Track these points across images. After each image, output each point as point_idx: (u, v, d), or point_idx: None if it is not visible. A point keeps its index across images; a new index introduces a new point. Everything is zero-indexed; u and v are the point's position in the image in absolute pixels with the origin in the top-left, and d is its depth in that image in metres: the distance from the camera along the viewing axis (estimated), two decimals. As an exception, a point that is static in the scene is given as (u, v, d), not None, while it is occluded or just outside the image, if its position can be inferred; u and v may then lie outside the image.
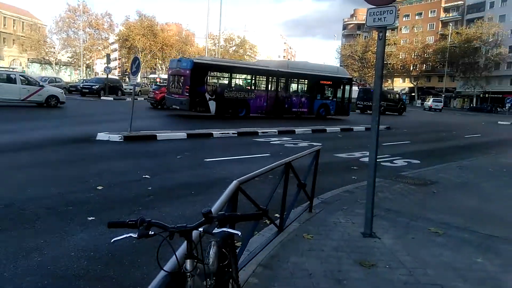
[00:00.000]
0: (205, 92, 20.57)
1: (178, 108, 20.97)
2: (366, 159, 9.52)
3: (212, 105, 20.74)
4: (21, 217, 4.85)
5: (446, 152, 14.17)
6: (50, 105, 19.62)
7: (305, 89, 25.66)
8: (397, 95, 42.45)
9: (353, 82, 29.92)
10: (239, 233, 1.56)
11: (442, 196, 6.98)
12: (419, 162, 11.09)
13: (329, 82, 26.58)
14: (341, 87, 26.95)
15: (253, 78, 23.27)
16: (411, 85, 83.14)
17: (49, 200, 5.58)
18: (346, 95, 27.15)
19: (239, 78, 23.04)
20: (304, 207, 5.58)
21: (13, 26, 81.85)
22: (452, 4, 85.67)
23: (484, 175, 9.15)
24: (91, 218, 4.97)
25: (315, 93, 25.61)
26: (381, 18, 4.23)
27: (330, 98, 26.49)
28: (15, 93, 18.30)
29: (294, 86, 25.35)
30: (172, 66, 22.08)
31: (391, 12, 4.15)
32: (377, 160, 10.37)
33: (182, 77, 20.53)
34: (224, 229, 1.60)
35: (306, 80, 25.46)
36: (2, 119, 14.69)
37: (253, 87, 23.12)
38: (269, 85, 23.53)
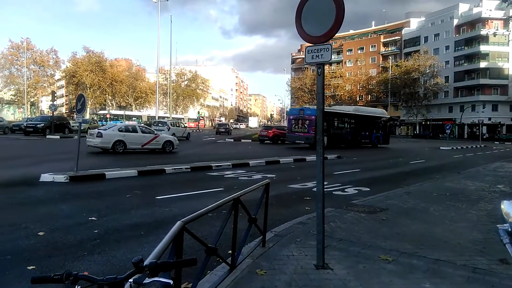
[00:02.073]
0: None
1: (303, 142, 30.19)
2: (318, 189, 9.73)
3: (325, 139, 28.23)
4: (-51, 272, 4.43)
5: (394, 178, 14.76)
6: (166, 151, 21.67)
7: (367, 126, 35.67)
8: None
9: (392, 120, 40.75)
10: (171, 282, 1.50)
11: (391, 223, 7.19)
12: (368, 189, 11.44)
13: (378, 120, 37.63)
14: (385, 123, 38.44)
15: (342, 119, 33.59)
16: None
17: (-17, 251, 5.15)
18: (387, 129, 38.87)
19: (336, 120, 32.95)
20: (257, 241, 5.53)
21: (-51, 64, 77.53)
22: (390, 39, 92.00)
23: (430, 200, 9.57)
24: (31, 267, 4.63)
25: (372, 128, 36.23)
26: (318, 55, 4.43)
27: (380, 132, 37.39)
28: (138, 141, 20.74)
29: (361, 124, 34.93)
30: (294, 113, 31.89)
31: (327, 49, 4.37)
32: (329, 189, 10.67)
33: (307, 121, 29.41)
34: (156, 278, 1.53)
35: (367, 120, 35.76)
36: None
37: (346, 125, 33.66)
38: (349, 124, 34.01)
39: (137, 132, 21.02)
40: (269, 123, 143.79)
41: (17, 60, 69.32)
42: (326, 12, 4.35)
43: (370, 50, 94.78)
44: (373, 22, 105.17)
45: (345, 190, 11.26)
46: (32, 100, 75.69)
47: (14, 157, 16.92)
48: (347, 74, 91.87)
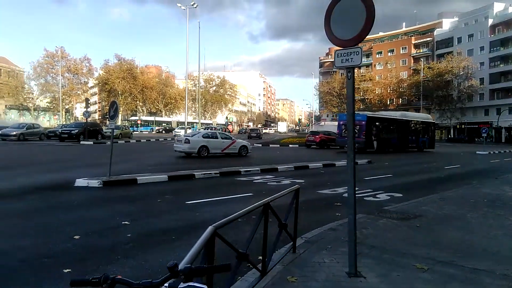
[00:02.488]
0: (372, 135, 31.38)
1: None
2: (349, 195, 9.57)
3: (375, 143, 31.44)
4: (-9, 274, 4.61)
5: (428, 184, 14.35)
6: (241, 155, 23.74)
7: (414, 130, 36.73)
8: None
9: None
10: (205, 287, 1.50)
11: (426, 230, 6.97)
12: (401, 195, 11.16)
13: (424, 125, 38.65)
14: (430, 128, 39.44)
15: (390, 124, 34.58)
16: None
17: (23, 253, 5.35)
18: (433, 134, 39.65)
19: (385, 125, 34.03)
20: (288, 247, 5.48)
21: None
22: (422, 40, 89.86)
23: (466, 206, 9.23)
24: (67, 270, 4.76)
25: (418, 133, 37.23)
26: (348, 59, 4.37)
27: (426, 136, 38.28)
28: (219, 146, 22.84)
29: (408, 129, 36.12)
30: (344, 118, 29.24)
31: (357, 53, 4.29)
32: (360, 195, 10.49)
33: (358, 126, 29.33)
34: (190, 283, 1.53)
35: (414, 124, 36.87)
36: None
37: (393, 130, 34.44)
38: (397, 129, 34.71)
39: (218, 138, 23.20)
40: (297, 127, 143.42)
41: (52, 69, 72.07)
42: (355, 14, 4.28)
43: (401, 52, 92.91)
44: (404, 24, 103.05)
45: (377, 196, 11.03)
46: (66, 107, 78.50)
47: (50, 162, 17.55)
48: (377, 77, 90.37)
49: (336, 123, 54.04)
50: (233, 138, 24.72)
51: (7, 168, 14.80)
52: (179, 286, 1.50)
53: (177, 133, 58.32)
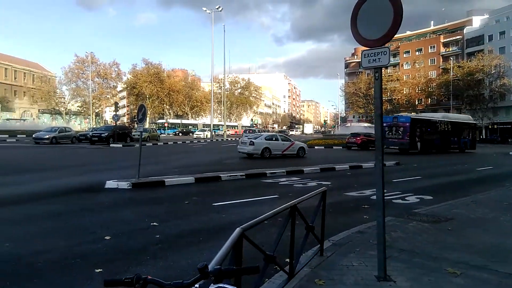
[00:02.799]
0: (416, 136, 32.05)
1: (397, 148, 31.66)
2: (376, 197, 9.41)
3: (419, 145, 32.27)
4: (29, 272, 4.79)
5: (459, 186, 13.94)
6: (300, 156, 25.18)
7: (455, 131, 36.57)
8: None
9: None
10: None
11: (458, 234, 6.77)
12: (431, 198, 10.89)
13: (466, 126, 38.78)
14: (471, 129, 39.55)
15: (432, 126, 34.49)
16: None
17: (56, 253, 5.53)
18: (473, 135, 39.47)
19: (427, 127, 34.09)
20: (315, 250, 5.44)
21: (24, 78, 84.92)
22: (451, 39, 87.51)
23: (500, 209, 8.92)
24: (99, 270, 4.88)
25: (459, 134, 37.13)
26: (375, 59, 4.30)
27: (467, 137, 38.23)
28: (279, 148, 24.49)
29: (450, 130, 35.93)
30: (387, 121, 32.64)
31: (384, 53, 4.22)
32: (388, 197, 10.30)
33: (402, 128, 31.45)
34: (220, 284, 1.55)
35: (455, 126, 36.67)
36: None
37: (436, 132, 34.39)
38: (439, 131, 34.66)
39: (278, 141, 24.93)
40: (322, 129, 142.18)
41: (83, 74, 74.23)
42: (383, 14, 4.22)
43: (429, 51, 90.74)
44: (432, 22, 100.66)
45: (406, 198, 10.80)
46: (96, 111, 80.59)
47: (81, 165, 18.07)
48: (405, 77, 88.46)
49: (364, 124, 54.98)
50: (291, 140, 26.40)
51: (41, 171, 15.34)
52: (209, 287, 1.52)
53: (198, 135, 59.53)
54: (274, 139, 24.95)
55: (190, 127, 77.62)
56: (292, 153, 24.91)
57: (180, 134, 70.22)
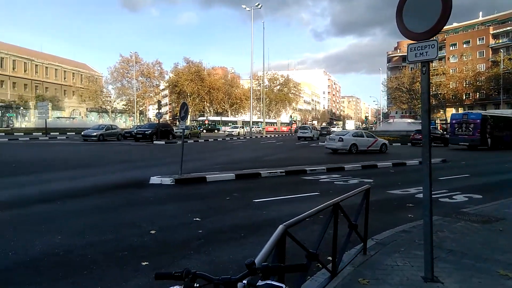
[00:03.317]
0: (486, 133, 32.79)
1: (467, 144, 33.23)
2: (422, 195, 9.10)
3: (489, 141, 33.00)
4: (80, 264, 5.03)
5: (510, 184, 13.21)
6: (382, 151, 26.75)
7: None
8: None
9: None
10: (284, 286, 1.51)
11: (510, 234, 6.43)
12: (481, 197, 10.39)
13: None
14: None
15: (502, 122, 35.12)
16: (465, 115, 79.60)
17: (105, 246, 5.77)
18: None
19: (497, 123, 34.65)
20: (358, 249, 5.35)
21: (73, 78, 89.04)
22: (501, 30, 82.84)
23: (557, 209, 8.37)
24: (145, 263, 5.05)
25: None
26: (422, 53, 4.14)
27: None
28: (365, 144, 26.23)
29: None
30: (457, 118, 34.90)
31: (432, 46, 4.05)
32: (435, 196, 9.94)
33: (472, 124, 32.63)
34: (268, 281, 1.55)
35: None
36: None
37: (505, 128, 34.90)
38: (508, 127, 35.13)
39: (364, 137, 26.61)
40: (363, 125, 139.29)
41: (127, 73, 76.87)
42: (430, 6, 4.06)
43: (478, 43, 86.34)
44: (480, 13, 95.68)
45: (453, 197, 10.37)
46: (140, 109, 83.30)
47: (126, 161, 18.74)
48: (451, 70, 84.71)
49: (407, 120, 54.82)
50: (375, 137, 27.93)
51: (90, 167, 16.06)
52: (257, 284, 1.53)
53: (229, 132, 57.94)
54: (360, 135, 26.71)
55: (229, 124, 78.46)
56: (376, 149, 26.47)
57: (205, 131, 68.08)
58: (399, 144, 39.21)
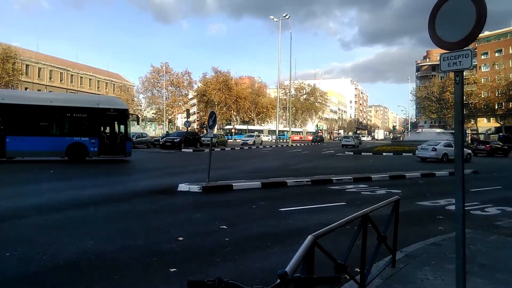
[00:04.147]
0: None
1: None
2: (453, 207, 8.85)
3: None
4: (111, 268, 5.16)
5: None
6: (467, 160, 28.47)
7: None
8: None
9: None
10: None
11: (547, 250, 6.18)
12: (515, 210, 10.03)
13: None
14: None
15: None
16: (498, 125, 76.94)
17: (135, 252, 5.90)
18: None
19: None
20: (387, 261, 5.26)
21: (105, 88, 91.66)
22: (536, 38, 79.79)
23: None
24: (173, 269, 5.13)
25: None
26: (456, 63, 4.07)
27: None
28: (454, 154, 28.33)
29: None
30: None
31: (466, 56, 3.98)
32: (466, 208, 9.62)
33: None
34: None
35: None
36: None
37: None
38: None
39: (453, 147, 27.06)
40: (391, 135, 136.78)
41: (158, 83, 78.58)
42: (464, 15, 3.99)
43: (510, 52, 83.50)
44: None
45: (485, 209, 10.05)
46: (169, 117, 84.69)
47: (155, 169, 19.11)
48: (482, 80, 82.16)
49: (437, 130, 56.67)
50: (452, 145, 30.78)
51: (120, 174, 16.45)
52: None
53: (244, 140, 56.13)
54: (449, 146, 28.41)
55: (256, 133, 78.61)
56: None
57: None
58: (411, 154, 37.84)
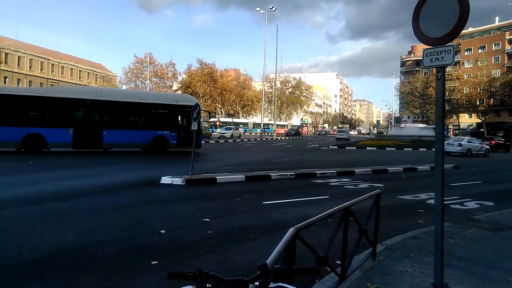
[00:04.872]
0: None
1: None
2: (433, 201, 9.01)
3: None
4: (91, 261, 5.10)
5: (524, 192, 13.02)
6: (486, 155, 33.31)
7: None
8: None
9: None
10: None
11: (523, 243, 6.35)
12: (492, 204, 10.27)
13: None
14: None
15: None
16: (479, 121, 78.57)
17: (116, 244, 5.83)
18: None
19: None
20: (367, 253, 5.33)
21: (88, 78, 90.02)
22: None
23: None
24: (155, 262, 5.09)
25: None
26: (438, 58, 4.12)
27: None
28: (476, 149, 32.99)
29: None
30: None
31: (448, 51, 4.02)
32: (446, 202, 9.85)
33: None
34: (280, 284, 1.57)
35: None
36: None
37: None
38: None
39: (475, 143, 33.58)
40: (375, 129, 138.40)
41: (141, 74, 77.57)
42: (448, 11, 4.03)
43: (493, 48, 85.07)
44: (497, 18, 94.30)
45: (465, 203, 10.26)
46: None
47: (138, 161, 18.90)
48: (465, 76, 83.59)
49: (419, 125, 58.10)
50: (482, 143, 34.64)
51: (100, 165, 16.24)
52: (269, 286, 1.55)
53: (221, 133, 54.54)
54: (472, 142, 33.43)
55: (240, 125, 78.48)
56: (481, 153, 33.22)
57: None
58: (411, 149, 38.84)
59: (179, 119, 23.70)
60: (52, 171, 14.19)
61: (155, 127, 22.84)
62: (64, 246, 5.60)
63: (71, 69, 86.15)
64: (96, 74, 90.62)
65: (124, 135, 21.87)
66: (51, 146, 20.39)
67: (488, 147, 34.86)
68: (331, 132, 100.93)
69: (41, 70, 78.07)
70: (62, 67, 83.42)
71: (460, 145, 32.19)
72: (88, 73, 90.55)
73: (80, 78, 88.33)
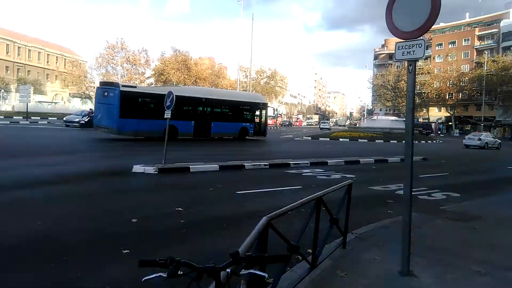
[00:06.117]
0: None
1: None
2: (402, 192, 9.25)
3: None
4: (59, 250, 4.98)
5: (488, 184, 13.59)
6: (498, 148, 37.07)
7: None
8: None
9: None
10: (266, 275, 1.55)
11: (485, 232, 6.63)
12: (458, 195, 10.66)
13: None
14: None
15: None
16: (448, 114, 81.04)
17: (86, 233, 5.73)
18: None
19: None
20: (338, 242, 5.44)
21: (56, 62, 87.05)
22: (487, 32, 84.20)
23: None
24: (126, 251, 5.03)
25: None
26: (410, 52, 4.20)
27: None
28: (492, 143, 37.33)
29: None
30: None
31: (420, 45, 4.11)
32: (414, 193, 10.12)
33: None
34: (252, 270, 1.59)
35: None
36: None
37: None
38: None
39: (491, 138, 37.78)
40: (348, 121, 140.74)
41: (113, 59, 75.48)
42: (419, 5, 4.11)
43: (463, 44, 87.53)
44: (467, 14, 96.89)
45: (432, 194, 10.60)
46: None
47: (109, 149, 18.53)
48: (436, 70, 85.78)
49: (391, 117, 59.72)
50: (496, 138, 40.11)
51: (71, 153, 15.83)
52: (240, 272, 1.56)
53: None
54: (489, 137, 37.98)
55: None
56: (495, 146, 36.92)
57: None
58: (382, 141, 39.60)
59: (255, 114, 29.87)
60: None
61: (241, 120, 28.82)
62: (32, 235, 5.45)
63: (39, 52, 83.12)
64: (65, 59, 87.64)
65: (224, 127, 27.31)
66: (180, 135, 23.95)
67: (499, 141, 38.83)
68: (292, 124, 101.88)
69: (7, 53, 74.93)
70: (29, 50, 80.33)
71: (480, 139, 36.21)
72: (57, 57, 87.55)
73: (48, 62, 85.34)
